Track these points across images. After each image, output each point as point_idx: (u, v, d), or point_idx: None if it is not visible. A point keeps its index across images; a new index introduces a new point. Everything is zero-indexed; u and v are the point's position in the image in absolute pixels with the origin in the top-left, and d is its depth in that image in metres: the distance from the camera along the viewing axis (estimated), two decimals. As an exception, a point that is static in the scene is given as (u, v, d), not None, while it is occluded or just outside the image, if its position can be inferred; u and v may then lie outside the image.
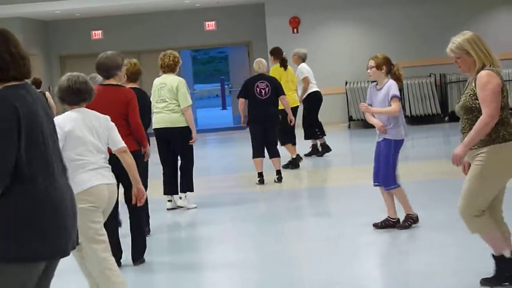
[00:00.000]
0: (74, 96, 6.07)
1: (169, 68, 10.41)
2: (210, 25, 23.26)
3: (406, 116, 19.97)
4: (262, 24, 22.11)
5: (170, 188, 10.64)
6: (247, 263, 7.84)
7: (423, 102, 19.93)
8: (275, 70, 13.78)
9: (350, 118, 20.43)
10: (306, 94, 14.63)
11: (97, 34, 23.37)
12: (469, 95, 5.82)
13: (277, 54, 14.07)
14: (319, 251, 7.97)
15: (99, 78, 8.20)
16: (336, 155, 15.13)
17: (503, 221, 6.06)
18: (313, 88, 14.71)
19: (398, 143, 8.44)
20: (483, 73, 5.75)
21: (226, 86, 34.17)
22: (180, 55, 24.56)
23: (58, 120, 5.80)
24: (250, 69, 23.39)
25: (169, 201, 10.67)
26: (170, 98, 10.33)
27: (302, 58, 14.89)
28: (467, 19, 21.04)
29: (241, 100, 12.42)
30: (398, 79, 8.36)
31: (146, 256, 7.82)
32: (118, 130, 6.25)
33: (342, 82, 21.05)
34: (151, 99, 10.09)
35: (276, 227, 9.56)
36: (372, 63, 8.35)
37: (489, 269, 6.11)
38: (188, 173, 10.58)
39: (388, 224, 8.51)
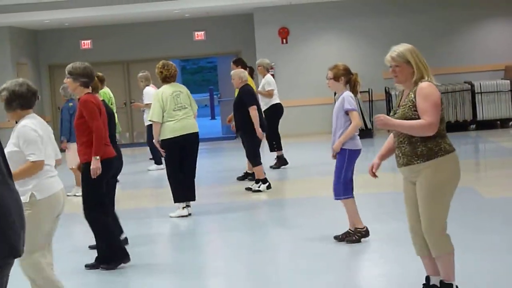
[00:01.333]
0: (34, 98, 6.04)
1: (174, 78, 10.69)
2: (199, 35, 23.29)
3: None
4: (251, 34, 22.15)
5: (190, 194, 10.78)
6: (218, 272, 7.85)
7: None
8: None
9: (339, 129, 20.43)
10: (269, 106, 14.63)
11: (86, 43, 23.36)
12: (408, 106, 5.71)
13: (243, 64, 13.95)
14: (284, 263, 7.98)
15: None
16: (324, 165, 15.12)
17: None
18: (275, 100, 14.70)
19: (354, 154, 8.38)
20: (425, 84, 5.70)
21: (215, 96, 34.16)
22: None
23: (28, 125, 5.82)
24: (239, 79, 23.46)
25: (187, 206, 10.75)
26: (188, 104, 10.63)
27: (267, 69, 14.90)
28: (457, 29, 21.16)
29: (255, 107, 12.45)
30: (353, 89, 8.35)
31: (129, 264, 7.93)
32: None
33: (331, 92, 21.05)
34: (158, 107, 10.34)
35: (270, 237, 9.57)
36: (330, 74, 8.33)
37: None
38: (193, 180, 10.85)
39: (360, 236, 8.40)
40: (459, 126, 19.76)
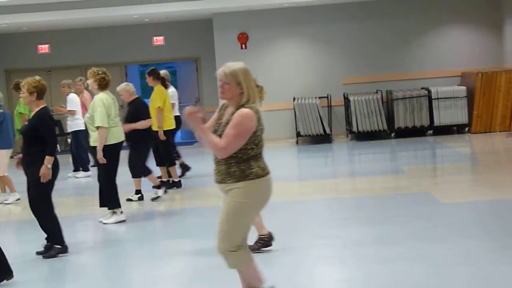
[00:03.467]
0: None
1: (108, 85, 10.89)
2: (159, 40, 23.25)
3: (353, 132, 20.19)
4: (210, 39, 22.16)
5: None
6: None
7: (370, 118, 20.11)
8: (162, 91, 13.58)
9: (298, 134, 20.53)
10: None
11: (43, 48, 23.19)
12: (226, 124, 5.79)
13: (157, 75, 13.86)
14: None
15: None
16: (284, 170, 15.19)
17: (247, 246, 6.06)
18: (175, 112, 14.68)
19: None
20: (245, 111, 5.72)
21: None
22: (128, 69, 24.66)
23: None
24: (199, 84, 23.45)
25: (121, 212, 10.85)
26: (117, 112, 10.89)
27: (169, 81, 14.81)
28: (415, 36, 21.33)
29: (149, 120, 12.67)
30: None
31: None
32: None
33: (290, 98, 21.17)
34: (104, 113, 10.38)
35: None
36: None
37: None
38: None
39: (262, 244, 8.40)
40: (416, 132, 19.94)
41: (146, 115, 12.50)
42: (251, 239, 8.16)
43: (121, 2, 20.02)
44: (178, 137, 24.67)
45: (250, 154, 5.75)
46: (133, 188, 12.73)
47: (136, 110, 12.40)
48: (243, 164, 5.76)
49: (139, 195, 12.67)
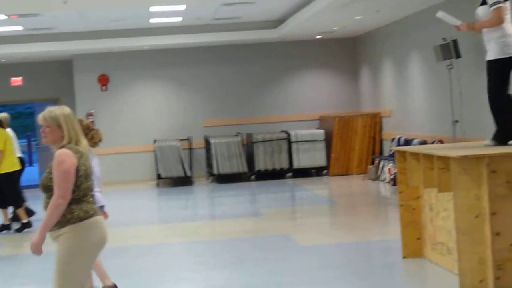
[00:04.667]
0: None
1: None
2: (17, 80, 22.80)
3: (214, 175, 20.29)
4: (70, 80, 21.91)
5: None
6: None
7: (230, 160, 20.28)
8: (2, 133, 13.44)
9: (159, 176, 20.48)
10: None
11: None
12: (48, 172, 5.69)
13: None
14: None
15: None
16: (144, 213, 15.10)
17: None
18: (17, 154, 14.53)
19: None
20: (59, 151, 5.64)
21: (33, 143, 33.40)
22: (-15, 110, 24.02)
23: None
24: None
25: None
26: None
27: (7, 123, 14.64)
28: (275, 79, 21.73)
29: None
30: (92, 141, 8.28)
31: None
32: None
33: (151, 140, 21.13)
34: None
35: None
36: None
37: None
38: None
39: None
40: (276, 174, 20.23)
41: None
42: None
43: (-23, 41, 19.58)
44: (36, 179, 24.22)
45: (71, 198, 5.56)
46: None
47: None
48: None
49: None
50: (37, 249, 5.56)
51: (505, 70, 7.58)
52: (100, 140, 8.23)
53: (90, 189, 5.74)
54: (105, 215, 7.47)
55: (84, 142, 5.76)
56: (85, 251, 5.62)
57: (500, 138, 7.80)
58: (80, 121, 7.94)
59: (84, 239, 5.59)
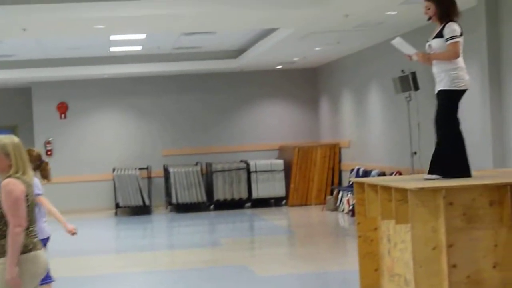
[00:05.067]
0: None
1: None
2: (-26, 107, 22.61)
3: (172, 204, 20.21)
4: (29, 108, 21.76)
5: None
6: None
7: (189, 190, 20.22)
8: None
9: (117, 205, 20.35)
10: None
11: None
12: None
13: None
14: None
15: None
16: (101, 242, 14.98)
17: None
18: None
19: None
20: (6, 181, 5.63)
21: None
22: None
23: None
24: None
25: None
26: None
27: None
28: (234, 108, 21.75)
29: None
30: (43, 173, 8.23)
31: None
32: None
33: (110, 168, 21.00)
34: None
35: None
36: None
37: None
38: None
39: None
40: (235, 204, 20.20)
41: None
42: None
43: None
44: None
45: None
46: None
47: None
48: (3, 239, 5.55)
49: None
50: (15, 282, 5.47)
51: (455, 101, 7.72)
52: (47, 173, 8.13)
53: (32, 222, 5.68)
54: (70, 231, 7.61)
55: (30, 173, 5.74)
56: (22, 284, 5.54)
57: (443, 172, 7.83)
58: (31, 151, 7.90)
59: (19, 272, 5.50)
